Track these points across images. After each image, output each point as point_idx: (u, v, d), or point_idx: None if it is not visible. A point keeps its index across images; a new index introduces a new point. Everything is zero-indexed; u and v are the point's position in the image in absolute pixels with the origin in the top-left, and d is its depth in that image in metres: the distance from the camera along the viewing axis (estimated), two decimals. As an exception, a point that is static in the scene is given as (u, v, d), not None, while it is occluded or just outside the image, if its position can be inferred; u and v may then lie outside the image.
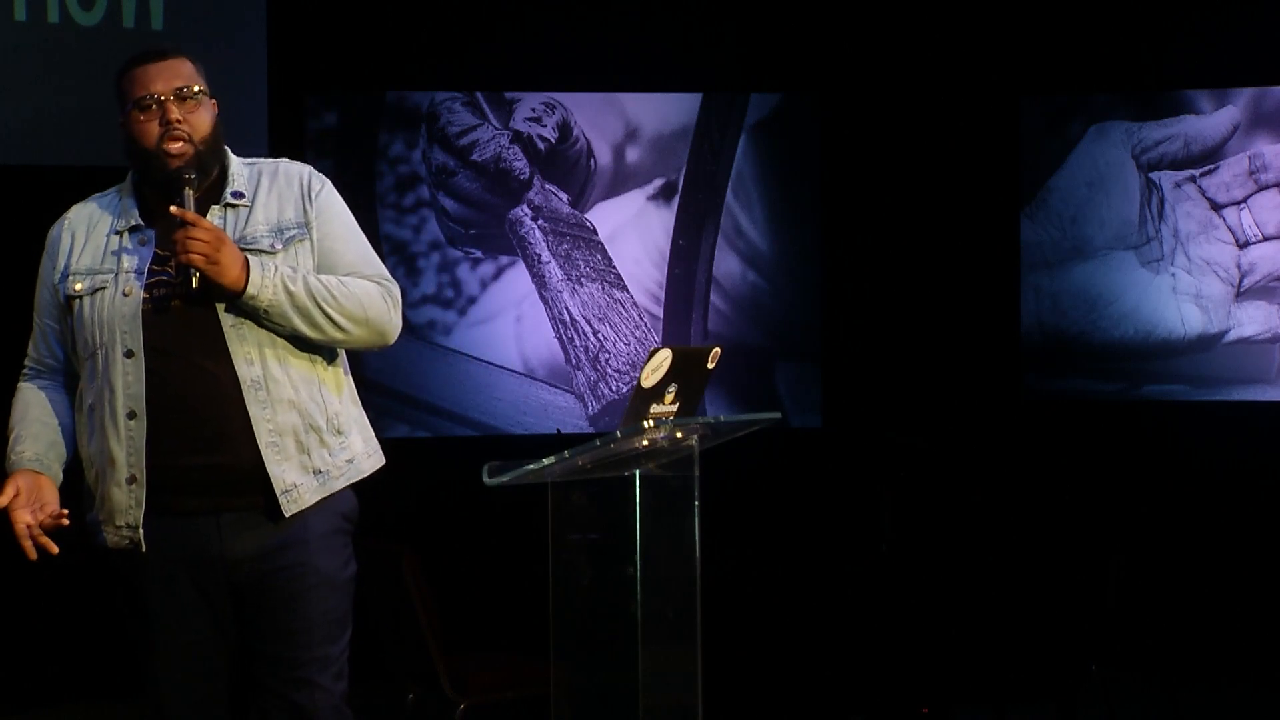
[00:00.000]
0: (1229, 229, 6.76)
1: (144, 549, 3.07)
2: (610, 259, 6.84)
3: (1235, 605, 6.42)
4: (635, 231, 6.89)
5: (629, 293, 6.86)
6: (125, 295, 3.07)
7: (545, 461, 2.94)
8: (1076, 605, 5.28)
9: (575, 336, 6.78)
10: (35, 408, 3.18)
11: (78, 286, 3.14)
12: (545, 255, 6.76)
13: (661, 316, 6.90)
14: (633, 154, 6.88)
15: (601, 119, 6.86)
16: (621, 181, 6.88)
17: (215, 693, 3.14)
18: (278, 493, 3.05)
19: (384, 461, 3.24)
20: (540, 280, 6.74)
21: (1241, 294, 6.76)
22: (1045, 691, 5.26)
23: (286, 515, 3.06)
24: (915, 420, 6.74)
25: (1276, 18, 6.69)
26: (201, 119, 3.13)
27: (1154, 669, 5.80)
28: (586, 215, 6.83)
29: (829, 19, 6.93)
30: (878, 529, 5.85)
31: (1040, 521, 6.10)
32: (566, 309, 6.78)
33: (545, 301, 6.75)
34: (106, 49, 5.96)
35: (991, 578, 5.65)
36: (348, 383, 3.21)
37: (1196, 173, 6.79)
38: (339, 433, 3.14)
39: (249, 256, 3.04)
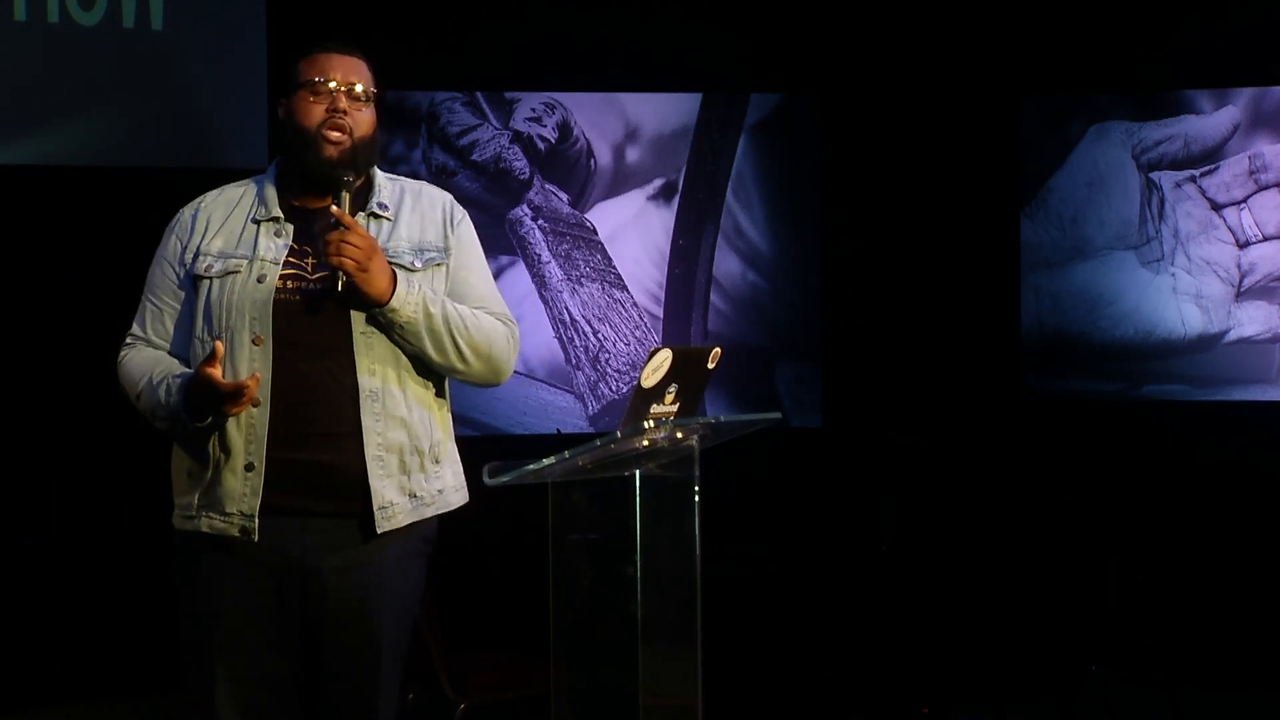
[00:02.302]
0: (1229, 229, 6.76)
1: (257, 538, 3.02)
2: (610, 259, 6.84)
3: (1235, 606, 6.42)
4: (635, 231, 6.89)
5: (629, 293, 6.86)
6: (259, 282, 3.06)
7: (545, 461, 2.94)
8: (1076, 605, 5.29)
9: (575, 336, 6.78)
10: (162, 360, 3.12)
11: (209, 267, 3.11)
12: (545, 255, 6.76)
13: (661, 316, 6.90)
14: (633, 154, 6.88)
15: (601, 119, 6.86)
16: (621, 181, 6.88)
17: (271, 701, 3.08)
18: (375, 507, 3.04)
19: (468, 499, 3.24)
20: (540, 280, 6.74)
21: (1241, 294, 6.76)
22: (1045, 691, 5.27)
23: (379, 532, 3.05)
24: (915, 420, 6.74)
25: (1276, 18, 6.69)
26: (365, 119, 3.16)
27: (1154, 669, 5.80)
28: (586, 215, 6.83)
29: (829, 19, 6.93)
30: (878, 529, 5.86)
31: (1040, 522, 6.09)
32: (566, 309, 6.78)
33: (545, 301, 6.75)
34: (106, 49, 5.96)
35: (991, 578, 5.65)
36: (449, 418, 3.22)
37: (1196, 173, 6.79)
38: (436, 461, 3.15)
39: (396, 271, 3.06)
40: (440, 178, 6.63)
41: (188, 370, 3.05)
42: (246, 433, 3.01)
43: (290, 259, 3.09)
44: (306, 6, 6.22)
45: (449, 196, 3.30)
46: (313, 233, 3.10)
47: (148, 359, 3.14)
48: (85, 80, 5.92)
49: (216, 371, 2.94)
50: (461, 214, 3.27)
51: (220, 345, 2.98)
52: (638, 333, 6.85)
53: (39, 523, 5.95)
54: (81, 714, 5.85)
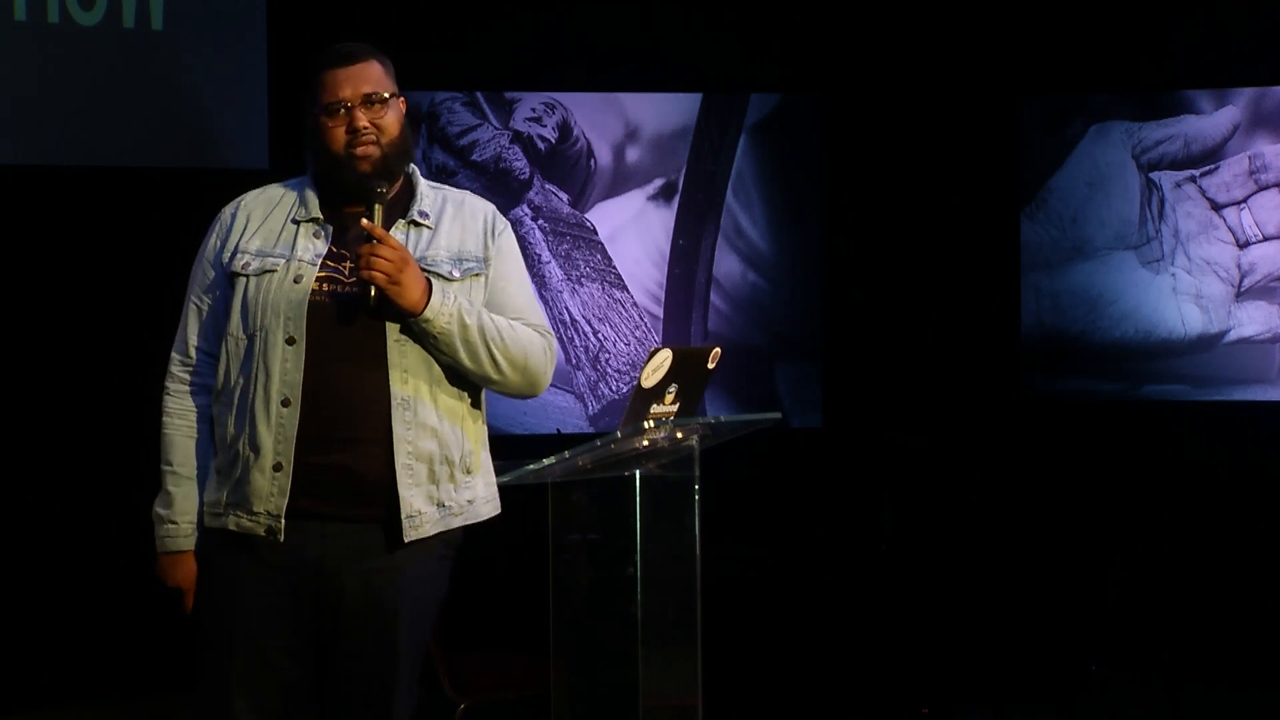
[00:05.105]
0: (1229, 229, 6.76)
1: (283, 538, 3.01)
2: (610, 259, 6.84)
3: (1235, 605, 6.42)
4: (635, 231, 6.89)
5: (629, 293, 6.85)
6: (296, 282, 3.05)
7: (545, 461, 2.94)
8: (1076, 605, 5.29)
9: (575, 336, 6.78)
10: (187, 443, 3.13)
11: (245, 265, 3.09)
12: (545, 255, 6.76)
13: (661, 316, 6.90)
14: (633, 154, 6.88)
15: (601, 119, 6.86)
16: (621, 181, 6.88)
17: (287, 703, 3.07)
18: (402, 515, 3.02)
19: (499, 510, 3.20)
20: (540, 280, 6.74)
21: (1242, 294, 6.76)
22: (1045, 691, 5.27)
23: (405, 540, 3.02)
24: (915, 420, 6.74)
25: (1276, 18, 6.69)
26: (389, 121, 3.16)
27: (1154, 669, 5.81)
28: (586, 215, 6.83)
29: (829, 19, 6.93)
30: (878, 529, 5.86)
31: (1040, 522, 6.10)
32: (566, 309, 6.78)
33: (545, 301, 6.74)
34: (106, 49, 5.96)
35: (991, 578, 5.66)
36: (483, 429, 3.20)
37: (1196, 173, 6.79)
38: (468, 472, 3.13)
39: (431, 280, 3.04)
40: (440, 178, 6.63)
41: (182, 532, 3.11)
42: (276, 433, 3.00)
43: (328, 262, 3.08)
44: (306, 6, 6.22)
45: (492, 207, 3.28)
46: (349, 238, 3.09)
47: (179, 428, 3.13)
48: (85, 80, 5.91)
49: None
50: (504, 225, 3.24)
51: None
52: (638, 333, 6.85)
53: (39, 523, 5.94)
54: (81, 714, 5.85)
